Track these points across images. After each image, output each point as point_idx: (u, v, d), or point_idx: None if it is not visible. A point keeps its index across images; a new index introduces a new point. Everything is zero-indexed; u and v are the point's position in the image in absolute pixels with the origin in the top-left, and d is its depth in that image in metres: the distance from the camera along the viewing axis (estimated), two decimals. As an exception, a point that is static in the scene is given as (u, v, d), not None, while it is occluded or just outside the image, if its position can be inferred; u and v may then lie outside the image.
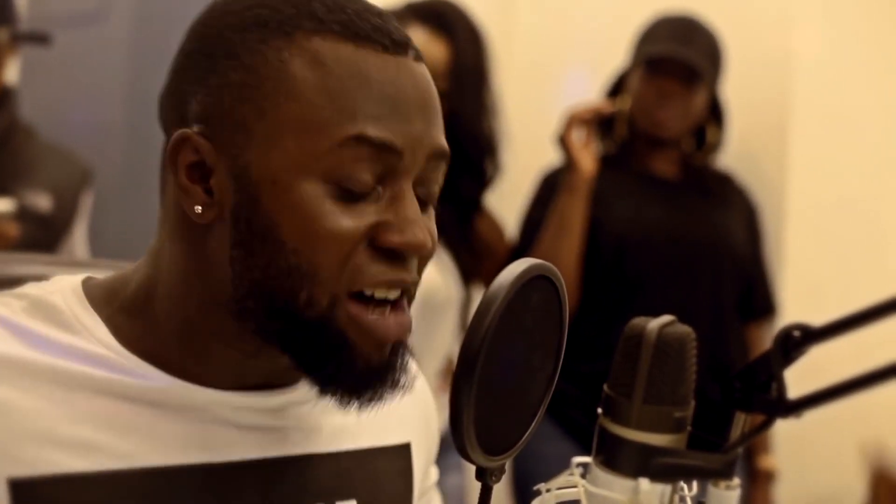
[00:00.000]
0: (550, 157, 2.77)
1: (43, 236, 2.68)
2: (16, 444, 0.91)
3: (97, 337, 0.98)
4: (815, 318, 0.84)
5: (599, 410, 0.86)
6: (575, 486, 0.86)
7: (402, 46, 0.97)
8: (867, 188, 3.18)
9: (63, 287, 1.01)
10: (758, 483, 2.78)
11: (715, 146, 2.81)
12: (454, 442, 0.84)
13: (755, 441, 2.77)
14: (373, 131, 0.92)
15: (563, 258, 2.54)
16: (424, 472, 1.23)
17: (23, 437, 0.91)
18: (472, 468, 0.90)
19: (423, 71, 0.99)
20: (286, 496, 1.03)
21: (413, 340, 2.40)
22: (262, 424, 1.03)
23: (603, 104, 2.68)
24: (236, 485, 1.00)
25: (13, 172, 2.74)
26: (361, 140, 0.92)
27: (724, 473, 0.84)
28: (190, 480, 0.97)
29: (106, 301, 1.01)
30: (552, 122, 2.68)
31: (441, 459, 2.41)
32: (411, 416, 1.20)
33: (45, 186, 2.77)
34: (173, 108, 0.99)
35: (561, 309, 0.91)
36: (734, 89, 2.84)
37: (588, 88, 3.14)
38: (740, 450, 0.86)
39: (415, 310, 2.41)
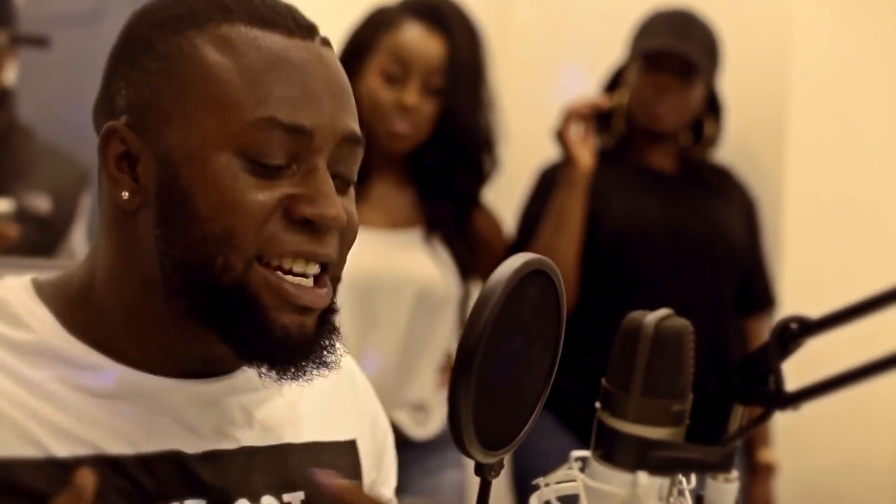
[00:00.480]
0: (548, 153, 2.77)
1: (42, 238, 2.68)
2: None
3: (47, 327, 1.01)
4: (814, 311, 0.84)
5: (598, 404, 0.86)
6: (574, 481, 0.86)
7: (308, 30, 1.02)
8: (865, 181, 3.18)
9: (14, 284, 1.05)
10: (758, 477, 2.78)
11: (712, 140, 2.80)
12: (453, 437, 0.84)
13: (755, 434, 2.77)
14: (283, 114, 0.97)
15: (561, 253, 2.54)
16: (374, 470, 1.24)
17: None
18: (471, 463, 0.90)
19: (332, 55, 1.04)
20: (234, 487, 1.04)
21: (411, 336, 2.40)
22: (208, 415, 1.04)
23: (600, 99, 2.68)
24: (184, 475, 1.01)
25: (12, 173, 2.74)
26: (272, 122, 0.96)
27: (723, 466, 0.84)
28: (140, 469, 0.99)
29: (55, 296, 1.04)
30: (550, 118, 2.67)
31: (441, 455, 2.43)
32: (354, 414, 1.22)
33: (44, 187, 2.77)
34: (103, 108, 1.04)
35: (559, 303, 0.92)
36: (732, 83, 2.84)
37: (585, 84, 3.14)
38: (739, 443, 0.86)
39: (412, 305, 2.42)
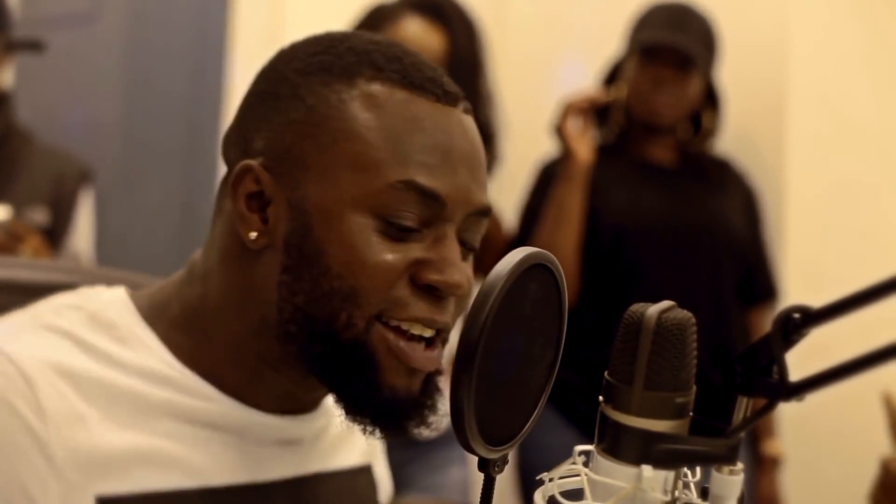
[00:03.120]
0: (548, 148, 2.77)
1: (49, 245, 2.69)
2: (100, 459, 0.95)
3: (157, 354, 1.02)
4: (818, 302, 0.84)
5: (601, 398, 0.86)
6: (578, 475, 0.86)
7: (453, 98, 1.03)
8: (866, 170, 3.17)
9: (114, 301, 1.05)
10: (764, 469, 2.78)
11: (711, 132, 2.80)
12: (455, 433, 0.84)
13: (761, 426, 2.77)
14: (422, 179, 0.98)
15: (561, 247, 2.54)
16: (385, 492, 1.28)
17: (105, 454, 0.95)
18: (475, 460, 0.90)
19: (472, 124, 1.05)
20: None
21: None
22: (291, 449, 1.08)
23: (598, 93, 2.68)
24: (274, 500, 1.05)
25: (11, 176, 2.74)
26: (410, 185, 0.98)
27: (728, 458, 0.84)
28: (241, 498, 1.03)
29: (157, 317, 1.05)
30: (548, 113, 2.67)
31: (445, 452, 2.43)
32: (361, 438, 1.23)
33: (44, 188, 2.77)
34: (236, 144, 1.05)
35: (560, 297, 0.91)
36: (731, 74, 2.84)
37: (583, 78, 3.13)
38: (743, 434, 0.86)
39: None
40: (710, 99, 2.78)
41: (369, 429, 1.03)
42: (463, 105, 1.04)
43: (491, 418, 0.85)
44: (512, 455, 0.93)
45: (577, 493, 0.87)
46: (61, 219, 2.81)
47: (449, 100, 1.02)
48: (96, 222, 2.97)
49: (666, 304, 0.84)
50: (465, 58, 2.41)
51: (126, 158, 3.42)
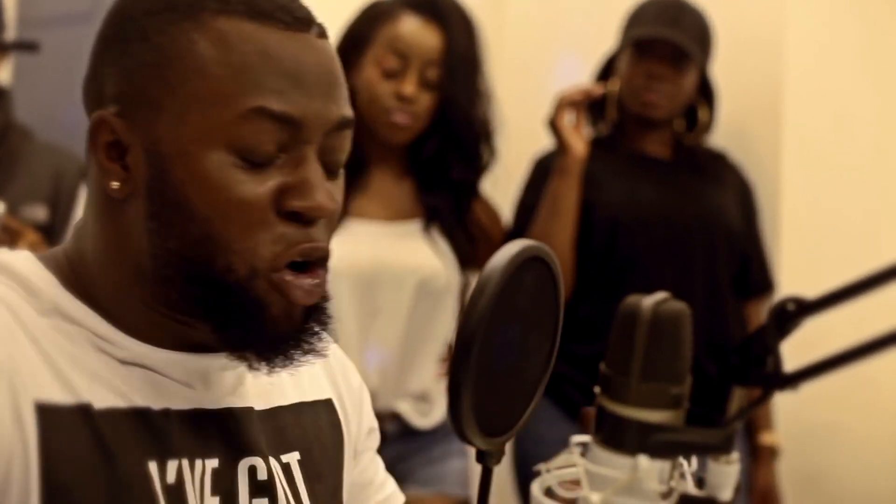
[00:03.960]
0: (543, 143, 2.77)
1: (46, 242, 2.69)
2: (41, 371, 0.97)
3: (61, 294, 1.02)
4: (813, 294, 0.84)
5: (597, 389, 0.86)
6: (575, 466, 0.87)
7: (304, 23, 1.02)
8: (861, 164, 3.18)
9: (16, 256, 1.06)
10: (760, 460, 2.79)
11: (706, 126, 2.81)
12: (453, 425, 0.85)
13: (756, 417, 2.77)
14: (273, 104, 0.98)
15: (557, 241, 2.55)
16: (356, 427, 1.27)
17: (42, 365, 0.97)
18: (473, 452, 0.91)
19: (326, 46, 1.04)
20: (249, 446, 1.08)
21: (413, 326, 2.41)
22: (210, 384, 1.08)
23: (593, 87, 2.68)
24: (203, 431, 1.05)
25: (10, 173, 2.74)
26: (262, 112, 0.97)
27: (723, 448, 0.84)
28: (167, 422, 1.03)
29: (55, 269, 1.05)
30: (544, 108, 2.68)
31: (444, 444, 2.44)
32: (324, 375, 1.23)
33: (43, 186, 2.77)
34: (91, 93, 1.05)
35: (556, 290, 0.92)
36: (726, 68, 2.84)
37: (579, 73, 3.14)
38: (739, 424, 0.86)
39: (414, 295, 2.44)
40: (705, 93, 2.78)
41: (255, 365, 1.03)
42: (316, 29, 1.03)
43: (488, 410, 0.86)
44: (509, 447, 0.94)
45: (574, 484, 0.87)
46: (60, 216, 2.81)
47: (299, 25, 1.01)
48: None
49: (661, 295, 0.85)
50: (461, 55, 2.42)
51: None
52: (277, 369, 1.03)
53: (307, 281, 1.01)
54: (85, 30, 3.99)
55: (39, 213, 2.74)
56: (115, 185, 1.00)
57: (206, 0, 0.99)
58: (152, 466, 1.00)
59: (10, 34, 2.88)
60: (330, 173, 1.04)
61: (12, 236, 2.44)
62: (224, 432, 1.06)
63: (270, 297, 1.00)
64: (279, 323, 1.01)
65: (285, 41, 1.00)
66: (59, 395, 0.96)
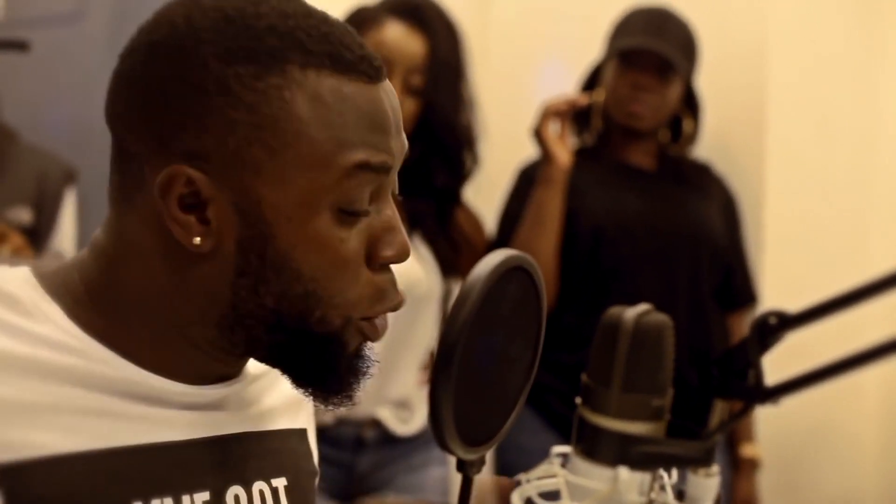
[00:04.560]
0: (527, 151, 2.77)
1: (30, 245, 2.68)
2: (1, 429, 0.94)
3: (62, 327, 1.00)
4: (796, 307, 0.85)
5: (578, 400, 0.86)
6: (555, 476, 0.87)
7: (381, 72, 1.03)
8: (845, 176, 3.19)
9: (16, 276, 1.03)
10: (741, 472, 2.79)
11: (691, 137, 2.81)
12: (434, 434, 0.85)
13: (738, 429, 2.78)
14: (373, 157, 0.99)
15: (540, 250, 2.55)
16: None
17: (5, 423, 0.94)
18: (454, 460, 0.91)
19: (392, 88, 1.06)
20: (235, 473, 1.08)
21: (394, 334, 2.42)
22: (208, 415, 1.07)
23: (578, 97, 2.68)
24: (194, 463, 1.05)
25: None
26: (365, 167, 0.98)
27: (704, 461, 0.84)
28: (155, 458, 1.01)
29: (61, 294, 1.03)
30: (528, 116, 2.68)
31: (425, 452, 2.44)
32: (297, 402, 1.23)
33: (28, 188, 2.77)
34: (150, 136, 0.99)
35: (538, 299, 0.92)
36: (711, 80, 2.85)
37: (564, 82, 3.14)
38: (719, 437, 0.86)
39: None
40: (690, 104, 2.78)
41: (323, 398, 1.05)
42: (384, 73, 1.04)
43: (469, 419, 0.85)
44: (490, 456, 0.94)
45: (554, 495, 0.87)
46: (45, 219, 2.81)
47: (379, 76, 1.02)
48: (80, 222, 2.97)
49: (644, 307, 0.85)
50: (445, 62, 2.42)
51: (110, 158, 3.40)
52: (343, 405, 1.06)
53: (383, 322, 1.05)
54: (71, 30, 3.99)
55: (24, 215, 2.73)
56: (197, 240, 0.98)
57: (288, 51, 0.97)
58: None
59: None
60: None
61: None
62: (216, 462, 1.06)
63: (355, 340, 1.03)
64: (353, 361, 1.04)
65: (371, 95, 1.01)
66: (28, 450, 0.94)
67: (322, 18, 1.02)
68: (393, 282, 1.05)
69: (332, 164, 0.97)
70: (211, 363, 1.05)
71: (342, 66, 0.99)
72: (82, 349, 0.99)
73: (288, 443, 1.17)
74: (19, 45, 2.86)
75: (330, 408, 1.05)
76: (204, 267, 1.00)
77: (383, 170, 1.00)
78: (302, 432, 1.22)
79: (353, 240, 1.00)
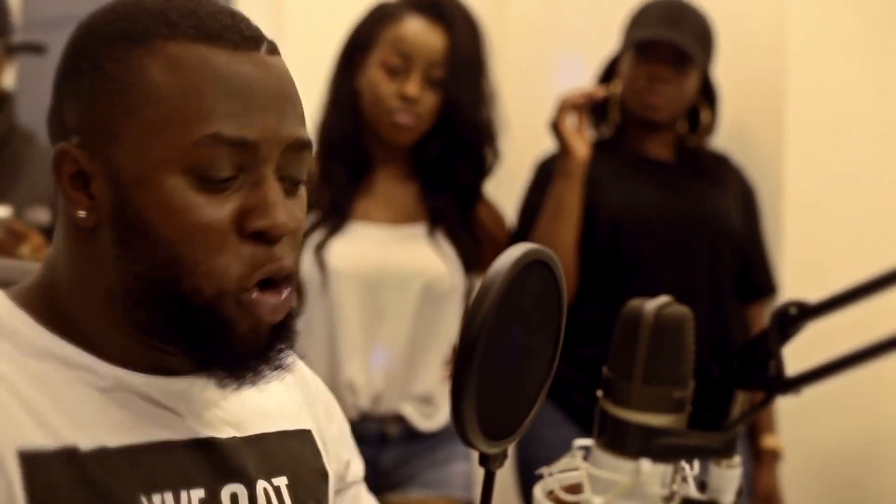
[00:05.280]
0: (546, 145, 2.77)
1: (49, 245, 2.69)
2: (22, 418, 0.97)
3: (32, 329, 1.04)
4: (816, 297, 0.84)
5: (599, 392, 0.87)
6: (577, 469, 0.87)
7: (252, 41, 1.03)
8: (864, 165, 3.18)
9: None
10: (762, 463, 2.79)
11: (708, 128, 2.81)
12: (456, 428, 0.85)
13: (759, 420, 2.77)
14: (226, 129, 0.99)
15: (560, 243, 2.55)
16: (337, 463, 1.27)
17: (21, 412, 0.98)
18: (477, 455, 0.91)
19: (278, 62, 1.05)
20: (232, 473, 1.09)
21: (418, 329, 2.42)
22: (189, 409, 1.09)
23: (595, 89, 2.68)
24: (189, 462, 1.06)
25: (13, 176, 2.75)
26: (216, 138, 0.99)
27: (725, 452, 0.84)
28: (153, 458, 1.03)
29: (28, 302, 1.06)
30: (546, 110, 2.68)
31: (448, 447, 2.44)
32: (305, 406, 1.25)
33: (46, 188, 2.78)
34: (53, 125, 1.06)
35: (559, 292, 0.92)
36: (728, 70, 2.84)
37: (582, 75, 3.14)
38: (741, 428, 0.86)
39: (419, 298, 2.45)
40: (707, 95, 2.78)
41: (224, 382, 1.04)
42: (266, 46, 1.04)
43: (491, 413, 0.86)
44: (512, 451, 0.94)
45: (576, 488, 0.87)
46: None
47: (249, 45, 1.02)
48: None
49: (664, 299, 0.85)
50: (466, 57, 2.43)
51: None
52: (247, 386, 1.05)
53: (273, 299, 1.03)
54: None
55: (42, 215, 2.74)
56: (81, 213, 1.02)
57: (156, 26, 1.01)
58: (144, 502, 1.01)
59: (16, 37, 2.89)
60: (290, 190, 1.05)
61: (18, 239, 2.45)
62: (209, 460, 1.08)
63: (237, 316, 1.01)
64: (247, 341, 1.02)
65: (235, 61, 1.01)
66: (41, 441, 0.97)
67: (199, 1, 1.04)
68: (272, 255, 1.02)
69: (183, 130, 0.98)
70: (155, 351, 1.05)
71: (204, 34, 1.01)
72: (54, 350, 1.03)
73: (285, 444, 1.18)
74: (36, 48, 2.88)
75: (234, 387, 1.05)
76: (96, 244, 1.03)
77: (241, 144, 0.99)
78: (303, 433, 1.22)
79: (213, 207, 0.99)
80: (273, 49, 1.06)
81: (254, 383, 1.04)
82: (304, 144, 1.05)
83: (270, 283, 1.03)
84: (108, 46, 1.01)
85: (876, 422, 3.17)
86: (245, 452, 1.11)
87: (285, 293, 1.04)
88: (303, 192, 1.08)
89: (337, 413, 1.31)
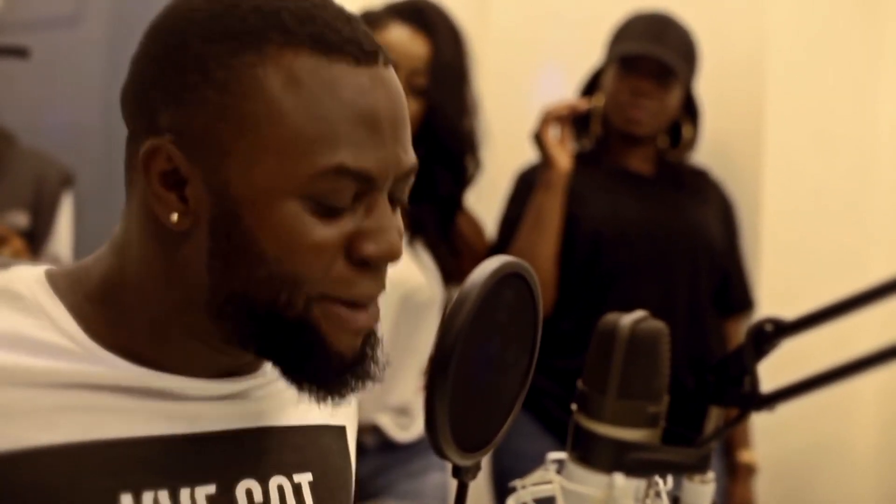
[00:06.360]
0: (527, 156, 2.78)
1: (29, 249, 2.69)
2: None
3: (60, 326, 1.00)
4: (793, 313, 0.85)
5: (574, 406, 0.87)
6: (550, 482, 0.87)
7: (373, 56, 0.97)
8: (842, 182, 3.19)
9: (26, 276, 1.03)
10: (738, 478, 2.79)
11: (690, 143, 2.81)
12: (429, 440, 0.85)
13: (734, 435, 2.78)
14: (351, 161, 0.94)
15: (539, 255, 2.55)
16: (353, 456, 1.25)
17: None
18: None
19: (394, 76, 1.00)
20: (249, 467, 1.06)
21: (395, 340, 2.40)
22: (222, 401, 1.06)
23: (578, 102, 2.68)
24: (199, 456, 1.03)
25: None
26: (341, 170, 0.93)
27: (699, 467, 0.85)
28: (153, 450, 1.00)
29: (70, 290, 1.02)
30: (528, 121, 2.68)
31: (424, 458, 2.44)
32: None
33: (25, 191, 2.77)
34: (141, 114, 0.99)
35: (535, 306, 0.92)
36: (708, 86, 2.85)
37: (563, 87, 3.14)
38: (715, 444, 0.86)
39: (397, 309, 2.43)
40: (689, 110, 2.78)
41: (317, 394, 1.01)
42: (382, 59, 0.99)
43: (465, 425, 0.86)
44: (486, 461, 0.94)
45: (549, 501, 0.87)
46: (42, 222, 2.81)
47: (369, 59, 0.97)
48: (77, 225, 2.97)
49: (640, 314, 0.85)
50: (449, 66, 2.42)
51: (108, 162, 3.41)
52: (336, 400, 1.02)
53: (361, 316, 1.00)
54: (69, 34, 3.99)
55: (21, 219, 2.73)
56: (174, 217, 0.97)
57: (269, 30, 0.95)
58: (125, 499, 0.98)
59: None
60: (394, 208, 1.02)
61: None
62: (225, 455, 1.05)
63: (327, 326, 0.98)
64: (343, 354, 1.00)
65: (358, 81, 0.95)
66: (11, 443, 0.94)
67: (314, 2, 0.98)
68: (374, 283, 1.00)
69: (305, 157, 0.93)
70: (216, 356, 1.03)
71: (323, 46, 0.95)
72: (78, 352, 0.99)
73: (318, 439, 1.15)
74: (19, 52, 2.87)
75: (326, 404, 1.01)
76: (184, 248, 0.98)
77: (365, 178, 0.95)
78: (338, 429, 1.19)
79: (327, 230, 0.95)
80: (388, 60, 1.00)
81: (343, 397, 1.02)
82: (415, 169, 1.02)
83: (355, 304, 1.00)
84: (214, 46, 0.95)
85: (848, 436, 3.18)
86: (267, 445, 1.09)
87: (372, 308, 1.02)
88: (399, 211, 1.04)
89: (356, 416, 1.29)
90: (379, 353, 1.05)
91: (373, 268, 0.99)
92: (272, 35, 0.94)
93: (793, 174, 3.10)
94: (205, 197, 0.96)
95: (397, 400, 2.41)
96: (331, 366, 0.99)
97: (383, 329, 2.43)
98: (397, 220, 1.01)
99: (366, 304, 1.01)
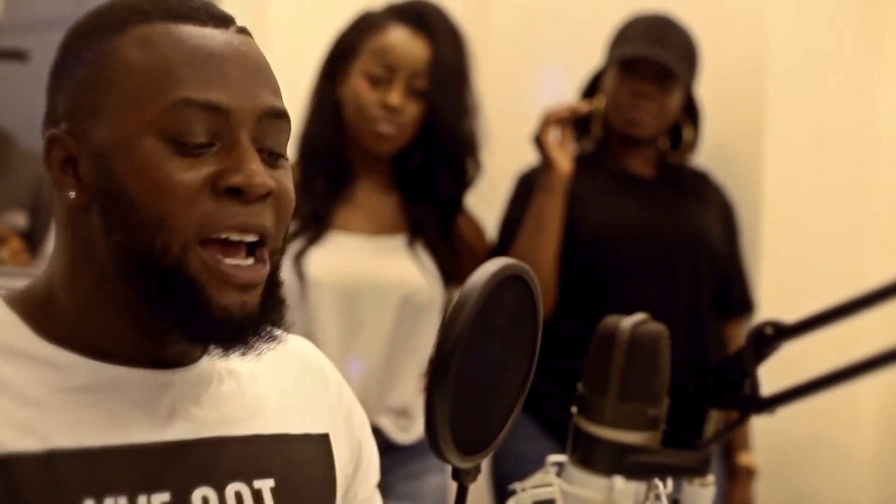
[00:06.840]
0: (528, 157, 2.77)
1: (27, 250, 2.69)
2: None
3: (13, 330, 1.04)
4: (793, 316, 0.85)
5: (574, 409, 0.86)
6: (550, 485, 0.87)
7: (222, 20, 1.07)
8: (842, 186, 3.19)
9: None
10: (737, 480, 2.79)
11: (691, 145, 2.81)
12: (429, 442, 0.85)
13: (734, 438, 2.77)
14: (196, 93, 1.01)
15: (540, 257, 2.55)
16: (350, 464, 1.26)
17: None
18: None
19: (247, 40, 1.08)
20: (204, 475, 1.07)
21: (395, 341, 2.40)
22: (174, 405, 1.08)
23: (579, 104, 2.68)
24: (154, 466, 1.04)
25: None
26: (187, 102, 1.01)
27: (699, 470, 0.84)
28: (111, 461, 1.02)
29: (21, 302, 1.08)
30: (529, 123, 2.68)
31: (424, 460, 2.44)
32: (326, 408, 1.24)
33: (23, 192, 2.77)
34: (47, 122, 1.09)
35: (535, 308, 0.92)
36: (708, 89, 2.85)
37: (564, 89, 3.14)
38: (715, 447, 0.86)
39: (397, 310, 2.43)
40: (690, 112, 2.78)
41: (217, 350, 1.05)
42: (235, 27, 1.08)
43: (465, 427, 0.85)
44: (486, 464, 0.94)
45: (549, 503, 0.87)
46: (40, 223, 2.81)
47: (217, 22, 1.06)
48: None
49: (640, 316, 0.85)
50: (449, 66, 2.42)
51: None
52: (239, 356, 1.04)
53: (242, 272, 1.02)
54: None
55: (19, 220, 2.73)
56: (71, 194, 1.04)
57: (129, 15, 1.05)
58: None
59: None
60: (270, 162, 1.06)
61: None
62: (180, 464, 1.06)
63: (204, 278, 1.01)
64: (231, 311, 1.02)
65: (204, 35, 1.04)
66: None
67: None
68: (246, 213, 1.02)
69: (155, 97, 1.01)
70: (146, 338, 1.05)
71: (172, 15, 1.05)
72: (30, 351, 1.03)
73: (286, 447, 1.16)
74: (18, 56, 2.87)
75: (229, 357, 1.05)
76: (87, 222, 1.04)
77: (212, 108, 1.01)
78: (318, 437, 1.20)
79: (189, 170, 1.01)
80: (243, 30, 1.09)
81: (244, 354, 1.04)
82: (279, 114, 1.07)
83: (247, 247, 1.03)
84: (87, 38, 1.06)
85: (849, 441, 3.18)
86: (225, 453, 1.10)
87: (261, 256, 1.04)
88: (286, 164, 1.08)
89: (358, 419, 1.30)
90: (282, 314, 1.08)
91: (241, 200, 1.02)
92: (132, 17, 1.05)
93: (793, 176, 3.10)
94: (91, 168, 1.03)
95: (397, 401, 2.41)
96: (215, 318, 1.01)
97: (382, 331, 2.44)
98: (278, 172, 1.06)
99: (246, 240, 1.03)
